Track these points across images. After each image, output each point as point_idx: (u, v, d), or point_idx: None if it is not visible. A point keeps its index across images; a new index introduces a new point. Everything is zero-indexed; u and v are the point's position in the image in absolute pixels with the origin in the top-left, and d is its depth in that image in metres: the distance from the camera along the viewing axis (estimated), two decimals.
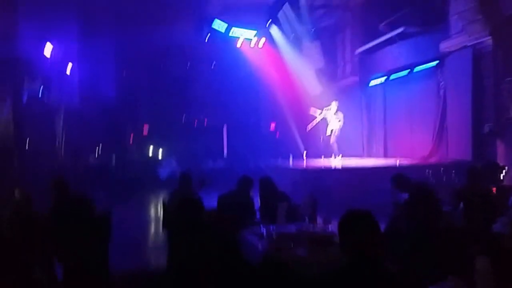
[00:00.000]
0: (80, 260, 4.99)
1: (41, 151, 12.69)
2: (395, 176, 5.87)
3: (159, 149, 17.95)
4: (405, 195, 6.41)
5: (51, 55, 12.43)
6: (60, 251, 4.93)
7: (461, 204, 5.34)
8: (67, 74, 13.61)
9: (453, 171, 8.94)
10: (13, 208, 4.92)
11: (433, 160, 11.39)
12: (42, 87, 12.77)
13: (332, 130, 13.15)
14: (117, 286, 5.54)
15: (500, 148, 9.46)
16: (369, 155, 14.72)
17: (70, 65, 13.67)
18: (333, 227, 4.83)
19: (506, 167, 8.15)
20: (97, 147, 15.71)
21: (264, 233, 4.62)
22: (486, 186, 5.77)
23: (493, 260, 2.79)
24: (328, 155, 13.43)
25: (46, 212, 5.19)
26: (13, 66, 10.91)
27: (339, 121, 13.06)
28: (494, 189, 6.71)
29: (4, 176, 10.04)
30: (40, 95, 12.77)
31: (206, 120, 18.63)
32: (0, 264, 2.82)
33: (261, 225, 5.00)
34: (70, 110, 13.71)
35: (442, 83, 11.63)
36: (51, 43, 12.39)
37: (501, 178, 7.88)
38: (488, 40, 9.65)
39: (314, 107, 13.98)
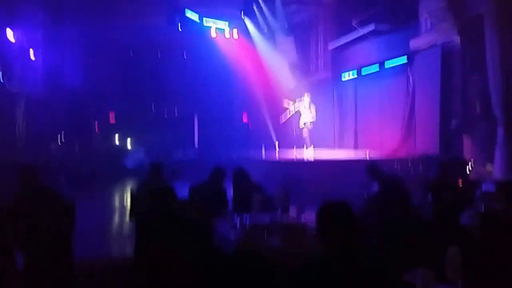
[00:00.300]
0: (43, 249, 4.88)
1: (1, 138, 12.28)
2: (369, 165, 5.96)
3: (126, 138, 17.66)
4: (375, 188, 6.52)
5: (14, 40, 12.02)
6: (22, 240, 4.81)
7: (429, 197, 5.43)
8: (30, 61, 13.18)
9: (421, 165, 9.11)
10: None
11: (401, 153, 11.59)
12: (2, 72, 12.33)
13: (304, 123, 13.23)
14: (82, 275, 5.44)
15: (467, 143, 9.71)
16: (340, 147, 14.94)
17: (33, 51, 13.24)
18: (305, 217, 4.85)
19: (472, 162, 8.41)
20: (61, 136, 15.29)
21: (237, 223, 4.60)
22: (454, 180, 5.90)
23: (462, 250, 2.84)
24: (300, 147, 13.56)
25: (9, 200, 5.03)
26: None
27: (312, 113, 13.14)
28: (460, 182, 6.90)
29: None
30: (1, 81, 12.34)
31: (176, 109, 18.44)
32: None
33: (234, 216, 4.98)
34: (32, 97, 13.28)
35: (412, 79, 11.85)
36: (14, 28, 11.99)
37: (467, 172, 8.13)
38: (457, 38, 9.86)
39: (287, 99, 14.06)
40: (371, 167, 5.91)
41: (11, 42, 12.01)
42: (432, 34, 10.59)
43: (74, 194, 5.46)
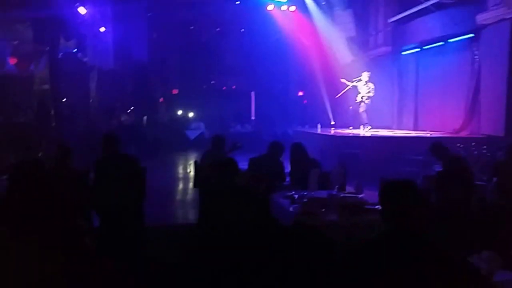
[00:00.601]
0: (117, 212, 5.27)
1: (76, 107, 13.05)
2: (434, 144, 5.86)
3: (188, 111, 18.17)
4: (437, 168, 6.45)
5: (86, 15, 12.60)
6: (100, 202, 5.22)
7: (494, 179, 5.34)
8: (101, 35, 13.79)
9: (484, 146, 8.81)
10: (55, 161, 5.12)
11: (464, 134, 11.24)
12: (77, 45, 13.01)
13: (362, 101, 13.02)
14: (151, 236, 5.81)
15: None
16: (399, 127, 14.57)
17: (104, 26, 13.83)
18: (364, 195, 4.93)
19: None
20: (129, 107, 16.01)
21: (296, 197, 4.73)
22: None
23: None
24: (356, 125, 13.38)
25: (90, 165, 5.43)
26: (49, 25, 11.10)
27: (370, 91, 12.91)
28: None
29: (44, 131, 10.39)
30: (75, 54, 13.02)
31: (234, 83, 18.69)
32: (48, 211, 3.00)
33: (292, 189, 5.13)
34: (104, 69, 13.95)
35: (477, 56, 11.27)
36: (86, 4, 12.56)
37: None
38: None
39: (344, 76, 13.86)
40: (435, 146, 5.82)
41: (84, 18, 12.58)
42: (500, 7, 9.99)
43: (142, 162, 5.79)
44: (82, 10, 12.51)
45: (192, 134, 16.29)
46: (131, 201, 5.40)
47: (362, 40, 16.04)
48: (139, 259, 5.09)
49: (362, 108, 13.09)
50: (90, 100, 14.00)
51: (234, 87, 18.87)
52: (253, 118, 18.98)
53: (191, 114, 18.13)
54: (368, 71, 13.13)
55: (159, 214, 6.89)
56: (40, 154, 5.77)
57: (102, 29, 13.80)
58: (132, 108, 16.03)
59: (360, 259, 2.36)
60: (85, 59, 13.70)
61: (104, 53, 13.81)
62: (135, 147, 10.54)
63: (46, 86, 12.90)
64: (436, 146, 5.85)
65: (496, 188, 5.22)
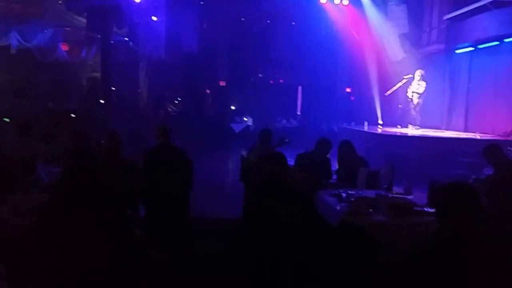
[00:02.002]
0: (166, 202, 5.38)
1: (125, 96, 13.36)
2: (488, 147, 5.64)
3: (235, 104, 18.27)
4: (488, 171, 6.24)
5: (139, 3, 12.80)
6: (148, 193, 5.33)
7: None
8: (153, 23, 14.00)
9: None
10: (106, 150, 5.19)
11: None
12: (129, 34, 13.27)
13: (412, 97, 12.73)
14: (196, 228, 5.90)
15: None
16: (448, 128, 14.17)
17: (155, 15, 14.04)
18: (413, 196, 4.83)
19: None
20: (177, 98, 16.26)
21: (343, 196, 4.69)
22: None
23: None
24: (404, 124, 13.09)
25: (136, 155, 5.56)
26: (103, 13, 11.36)
27: (420, 89, 12.60)
28: None
29: (94, 118, 10.68)
30: (127, 42, 13.31)
31: (282, 77, 18.62)
32: (100, 200, 3.07)
33: (339, 187, 5.09)
34: (154, 58, 14.18)
35: None
36: None
37: None
38: None
39: (394, 73, 13.58)
40: (489, 148, 5.61)
41: (137, 6, 12.81)
42: None
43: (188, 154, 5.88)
44: None
45: (237, 127, 16.38)
46: (178, 193, 5.50)
47: (415, 37, 15.61)
48: (184, 251, 5.18)
49: (413, 108, 12.80)
50: (139, 90, 14.30)
51: (281, 81, 18.80)
52: (299, 113, 18.88)
53: (237, 107, 18.21)
54: (421, 69, 12.81)
55: (205, 207, 6.97)
56: (90, 143, 5.90)
57: (154, 18, 13.99)
58: (179, 99, 16.28)
59: (412, 259, 2.39)
60: (136, 48, 13.97)
61: (155, 42, 14.01)
62: (181, 138, 10.69)
63: (97, 74, 13.27)
64: (490, 148, 5.62)
65: None
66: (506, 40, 11.87)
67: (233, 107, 18.12)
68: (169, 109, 15.24)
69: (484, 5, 11.83)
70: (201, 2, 15.60)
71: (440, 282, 2.24)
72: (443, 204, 2.35)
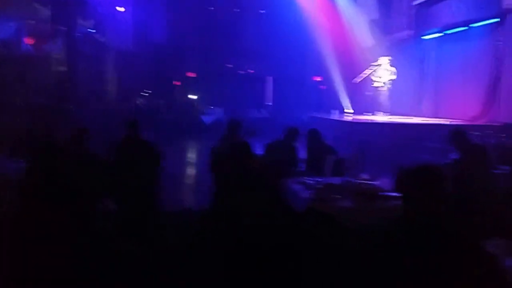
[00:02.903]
0: (134, 197, 5.29)
1: (93, 89, 13.08)
2: (453, 132, 5.66)
3: (205, 95, 18.11)
4: (454, 155, 6.31)
5: None
6: (116, 185, 5.23)
7: (507, 168, 5.21)
8: (119, 14, 13.73)
9: (504, 135, 8.60)
10: (72, 143, 5.12)
11: (482, 121, 11.00)
12: (95, 25, 12.98)
13: (381, 85, 12.76)
14: (165, 221, 5.83)
15: None
16: (418, 114, 14.32)
17: (123, 6, 13.76)
18: (380, 182, 4.84)
19: None
20: (146, 90, 16.02)
21: (310, 183, 4.67)
22: None
23: None
24: (375, 109, 13.19)
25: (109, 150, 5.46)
26: (67, 4, 11.09)
27: (390, 76, 12.65)
28: None
29: (61, 113, 10.45)
30: (93, 34, 13.00)
31: (252, 67, 18.53)
32: (65, 194, 2.99)
33: (306, 175, 5.08)
34: (122, 49, 13.92)
35: (501, 42, 10.99)
36: None
37: None
38: None
39: (364, 60, 13.61)
40: (454, 133, 5.64)
41: None
42: None
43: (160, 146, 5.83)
44: None
45: (208, 119, 16.26)
46: (146, 186, 5.43)
47: (384, 23, 15.69)
48: (154, 243, 5.12)
49: (383, 95, 12.84)
50: (107, 82, 14.03)
51: (251, 71, 18.70)
52: (269, 103, 18.84)
53: (207, 98, 18.05)
54: (388, 56, 12.85)
55: (174, 199, 6.91)
56: (56, 136, 5.79)
57: (121, 9, 13.72)
58: (148, 91, 16.03)
59: (378, 243, 2.37)
60: (103, 40, 13.67)
61: (122, 33, 13.74)
62: (150, 131, 10.54)
63: (63, 68, 12.94)
64: (455, 133, 5.64)
65: (509, 176, 5.09)
66: (474, 25, 12.04)
67: (204, 98, 17.95)
68: (138, 102, 15.00)
69: None
70: None
71: (406, 265, 2.23)
72: (409, 187, 2.33)
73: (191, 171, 10.09)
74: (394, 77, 12.62)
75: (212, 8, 16.79)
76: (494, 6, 10.78)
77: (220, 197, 4.94)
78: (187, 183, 8.83)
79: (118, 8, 13.68)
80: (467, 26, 12.33)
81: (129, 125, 5.52)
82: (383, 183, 5.06)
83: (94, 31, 13.49)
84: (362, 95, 14.74)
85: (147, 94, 15.97)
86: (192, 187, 8.63)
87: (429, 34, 14.10)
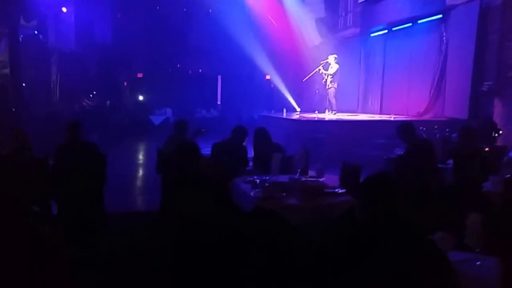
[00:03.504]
0: (77, 199, 5.13)
1: (37, 91, 12.60)
2: (401, 126, 5.77)
3: (153, 96, 17.82)
4: (399, 151, 6.47)
5: None
6: (59, 189, 5.07)
7: (451, 162, 5.37)
8: (63, 15, 13.28)
9: (447, 129, 8.89)
10: (13, 147, 4.95)
11: (428, 117, 11.32)
12: (38, 27, 12.49)
13: (328, 83, 12.89)
14: (112, 223, 5.69)
15: (497, 108, 9.31)
16: (364, 111, 14.64)
17: (66, 6, 13.32)
18: (325, 179, 4.89)
19: (500, 128, 8.19)
20: (92, 91, 15.57)
21: (257, 182, 4.67)
22: (479, 145, 5.79)
23: (483, 217, 2.83)
24: (322, 109, 13.33)
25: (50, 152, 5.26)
26: (8, 4, 10.63)
27: (336, 73, 12.78)
28: (487, 148, 6.77)
29: (4, 117, 10.04)
30: (36, 35, 12.50)
31: (201, 66, 18.39)
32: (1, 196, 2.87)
33: (254, 174, 5.07)
34: (66, 51, 13.47)
35: (445, 37, 11.29)
36: None
37: (496, 137, 7.94)
38: None
39: (312, 58, 13.74)
40: (401, 128, 5.76)
41: None
42: None
43: (104, 147, 5.68)
44: None
45: (156, 120, 16.00)
46: (90, 188, 5.29)
47: (331, 22, 15.89)
48: (100, 247, 4.98)
49: (329, 92, 12.97)
50: (51, 85, 13.53)
51: (200, 70, 18.56)
52: (219, 102, 18.78)
53: (156, 99, 17.77)
54: (335, 54, 13.01)
55: (121, 201, 6.75)
56: None
57: (64, 10, 13.28)
58: (94, 92, 15.58)
59: (325, 239, 2.59)
60: (46, 41, 13.18)
61: (65, 34, 13.29)
62: (97, 133, 10.27)
63: (6, 71, 12.40)
64: (403, 127, 5.76)
65: (453, 170, 5.25)
66: (419, 21, 12.34)
67: (152, 99, 17.66)
68: (84, 103, 14.55)
69: None
70: None
71: (354, 261, 2.34)
72: (364, 196, 2.50)
73: (138, 172, 9.90)
74: (337, 74, 12.70)
75: (158, 8, 16.49)
76: (438, 3, 11.01)
77: (168, 198, 4.86)
78: (135, 184, 8.64)
79: (61, 9, 13.22)
80: (413, 22, 12.63)
81: (72, 127, 5.34)
82: (330, 179, 5.13)
83: (36, 32, 12.98)
84: (311, 94, 14.91)
85: (92, 96, 15.52)
86: (140, 189, 8.45)
87: (375, 31, 14.38)
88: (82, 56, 14.38)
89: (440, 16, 11.47)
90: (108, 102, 15.62)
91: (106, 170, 5.56)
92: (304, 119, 12.23)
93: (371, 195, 2.48)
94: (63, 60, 13.57)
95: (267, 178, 4.79)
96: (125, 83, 17.37)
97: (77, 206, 5.15)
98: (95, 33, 14.46)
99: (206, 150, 5.99)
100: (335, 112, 12.78)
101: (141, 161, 11.33)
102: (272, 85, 17.93)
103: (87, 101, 14.94)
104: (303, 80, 14.09)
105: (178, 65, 18.29)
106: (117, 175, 7.35)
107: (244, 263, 4.29)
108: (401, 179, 5.46)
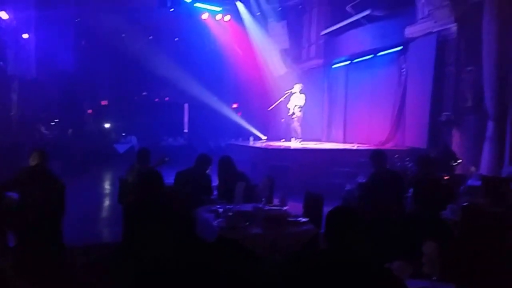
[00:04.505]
0: (35, 229, 4.95)
1: None
2: (374, 152, 5.91)
3: (118, 123, 17.58)
4: (360, 179, 6.55)
5: (7, 20, 11.91)
6: (16, 219, 4.89)
7: (411, 191, 5.48)
8: (24, 42, 13.05)
9: (408, 158, 9.06)
10: None
11: (389, 146, 11.53)
12: None
13: (293, 112, 13.06)
14: (72, 257, 5.50)
15: (456, 137, 9.55)
16: (329, 139, 14.83)
17: (27, 33, 13.11)
18: (289, 207, 4.90)
19: (458, 157, 8.44)
20: (54, 119, 15.22)
21: (220, 211, 4.63)
22: (438, 174, 5.93)
23: (440, 245, 2.88)
24: (288, 138, 13.45)
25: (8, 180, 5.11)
26: None
27: (301, 103, 12.97)
28: (447, 177, 6.95)
29: None
30: None
31: (167, 94, 18.33)
32: None
33: (218, 203, 5.02)
34: (26, 78, 13.18)
35: (404, 69, 11.59)
36: (8, 10, 11.87)
37: (454, 166, 8.16)
38: (453, 27, 9.54)
39: (277, 88, 13.91)
40: (374, 154, 5.85)
41: (5, 23, 11.89)
42: (428, 21, 10.18)
43: (66, 177, 5.52)
44: (3, 15, 11.82)
45: (121, 148, 15.74)
46: (48, 220, 5.10)
47: (295, 53, 16.22)
48: (58, 280, 4.79)
49: (295, 121, 13.11)
50: (12, 113, 13.15)
51: (167, 98, 18.50)
52: (186, 130, 18.69)
53: (121, 127, 17.52)
54: (299, 83, 13.24)
55: (82, 233, 6.55)
56: None
57: (25, 36, 13.06)
58: (56, 120, 15.22)
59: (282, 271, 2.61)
60: (5, 68, 12.87)
61: (26, 61, 13.02)
62: (59, 161, 9.99)
63: None
64: (375, 153, 5.86)
65: (412, 199, 5.35)
66: (379, 53, 12.71)
67: (117, 127, 17.40)
68: (45, 132, 14.18)
69: (358, 20, 12.51)
70: (77, 19, 14.85)
71: None
72: (327, 228, 2.58)
73: (101, 202, 9.66)
74: (302, 103, 12.90)
75: (124, 35, 16.41)
76: (397, 35, 11.31)
77: (129, 229, 4.74)
78: (97, 215, 8.41)
79: (23, 36, 13.00)
80: (373, 54, 12.99)
81: (33, 155, 5.18)
82: (294, 208, 5.14)
83: None
84: (277, 122, 15.06)
85: (54, 124, 15.16)
86: (103, 220, 8.24)
87: (338, 62, 14.72)
88: (44, 84, 14.08)
89: (400, 48, 11.79)
90: (70, 130, 15.27)
91: (65, 200, 5.40)
92: (270, 147, 12.31)
93: (334, 228, 2.56)
94: (23, 88, 13.25)
95: (231, 207, 4.75)
96: (89, 111, 17.06)
97: (35, 238, 4.97)
98: (58, 60, 14.21)
99: (171, 179, 5.93)
100: (301, 140, 12.91)
101: (103, 190, 11.08)
102: (239, 114, 18.02)
103: (47, 129, 14.57)
104: (269, 109, 14.22)
105: (144, 93, 18.19)
106: (78, 205, 7.14)
107: None
108: (362, 207, 5.54)
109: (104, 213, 8.78)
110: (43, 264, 4.88)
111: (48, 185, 5.16)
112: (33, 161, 5.18)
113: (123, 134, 16.94)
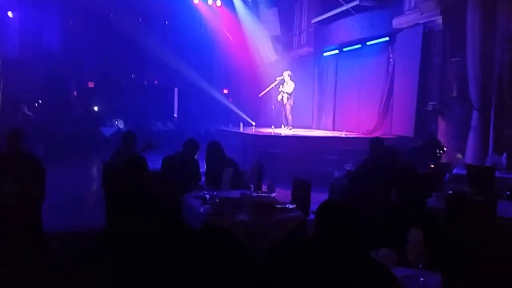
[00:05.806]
0: (14, 215, 4.86)
1: None
2: (371, 139, 5.99)
3: (105, 107, 17.35)
4: (348, 167, 6.56)
5: None
6: None
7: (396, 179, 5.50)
8: (8, 20, 12.76)
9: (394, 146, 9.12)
10: None
11: (377, 134, 11.58)
12: None
13: (284, 100, 13.02)
14: (52, 244, 5.42)
15: (441, 126, 9.71)
16: (318, 127, 14.89)
17: (11, 11, 12.82)
18: (276, 194, 4.87)
19: (444, 146, 8.53)
20: (37, 100, 14.93)
21: (207, 197, 4.58)
22: (424, 162, 5.96)
23: (425, 233, 2.88)
24: (278, 125, 13.42)
25: None
26: None
27: (291, 91, 12.93)
28: (432, 165, 7.00)
29: None
30: None
31: (156, 78, 18.13)
32: None
33: (205, 190, 4.97)
34: (10, 57, 12.90)
35: (392, 59, 11.74)
36: None
37: (440, 155, 8.25)
38: (439, 19, 9.69)
39: (267, 75, 13.86)
40: (373, 140, 5.89)
41: None
42: (414, 12, 10.40)
43: (48, 161, 5.40)
44: None
45: (107, 131, 15.52)
46: (28, 205, 5.01)
47: (286, 40, 16.21)
48: (38, 267, 4.73)
49: (286, 108, 13.10)
50: None
51: (156, 82, 18.30)
52: (175, 115, 18.54)
53: (108, 110, 17.28)
54: (289, 71, 13.19)
55: (62, 219, 6.43)
56: None
57: (10, 14, 12.76)
58: (39, 101, 14.92)
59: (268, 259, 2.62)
60: None
61: (9, 39, 12.73)
62: (42, 144, 9.82)
63: None
64: (370, 141, 5.92)
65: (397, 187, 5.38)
66: (368, 43, 12.77)
67: (104, 110, 17.16)
68: (28, 113, 13.89)
69: (347, 9, 12.55)
70: (60, 1, 14.55)
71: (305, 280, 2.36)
72: (319, 221, 2.54)
73: (83, 187, 9.50)
74: (292, 90, 12.86)
75: (112, 16, 16.13)
76: (385, 26, 11.47)
77: (111, 216, 4.67)
78: (78, 201, 8.29)
79: (8, 13, 12.70)
80: (362, 44, 13.03)
81: (9, 137, 5.04)
82: (283, 195, 5.12)
83: None
84: (268, 109, 15.03)
85: (37, 105, 14.87)
86: (86, 205, 8.12)
87: (328, 50, 14.74)
88: (28, 63, 13.78)
89: (387, 38, 11.92)
90: (54, 112, 15.01)
91: (45, 184, 5.28)
92: (260, 133, 12.28)
93: (324, 220, 2.53)
94: (6, 67, 12.95)
95: (218, 193, 4.71)
96: (75, 93, 16.80)
97: (13, 224, 4.88)
98: (44, 40, 13.94)
99: (159, 164, 5.84)
100: (291, 127, 12.91)
101: (87, 175, 10.92)
102: (230, 99, 17.92)
103: (30, 110, 14.26)
104: (260, 96, 14.17)
105: (133, 76, 17.92)
106: (61, 190, 7.03)
107: (191, 284, 4.18)
108: (350, 194, 5.55)
109: (87, 199, 8.63)
110: (22, 251, 4.84)
111: (25, 171, 5.02)
112: (9, 145, 5.04)
113: (110, 117, 16.72)
